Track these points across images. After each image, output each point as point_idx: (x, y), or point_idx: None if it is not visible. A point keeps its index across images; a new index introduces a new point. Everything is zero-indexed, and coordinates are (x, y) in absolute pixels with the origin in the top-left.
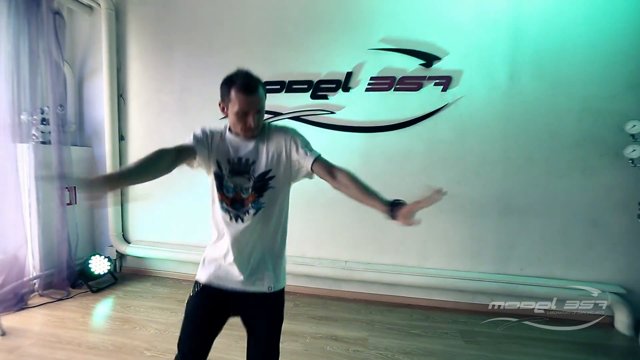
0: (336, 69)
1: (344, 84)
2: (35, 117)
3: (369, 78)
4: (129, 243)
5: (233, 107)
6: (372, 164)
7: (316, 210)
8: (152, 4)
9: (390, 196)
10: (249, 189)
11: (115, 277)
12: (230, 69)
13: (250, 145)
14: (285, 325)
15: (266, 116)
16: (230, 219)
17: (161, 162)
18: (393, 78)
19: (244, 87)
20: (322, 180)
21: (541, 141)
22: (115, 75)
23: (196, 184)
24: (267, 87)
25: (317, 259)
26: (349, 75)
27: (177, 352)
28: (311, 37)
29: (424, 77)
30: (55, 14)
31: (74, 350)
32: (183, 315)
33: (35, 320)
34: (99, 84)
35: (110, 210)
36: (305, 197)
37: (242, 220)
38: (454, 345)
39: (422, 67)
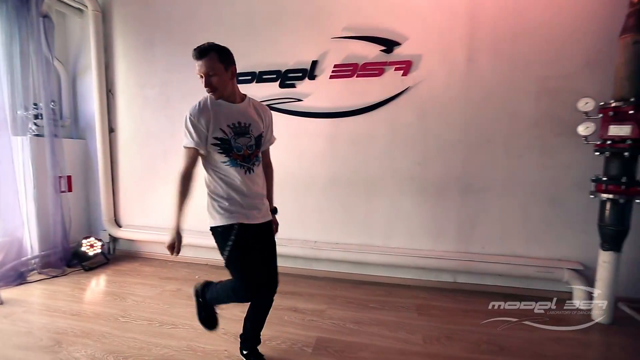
0: (302, 58)
1: (309, 72)
2: (30, 112)
3: (333, 66)
4: (120, 227)
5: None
6: (338, 148)
7: (287, 194)
8: (135, 4)
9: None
10: (252, 146)
11: (107, 257)
12: None
13: (240, 109)
14: None
15: None
16: (245, 172)
17: (193, 181)
18: (356, 65)
19: (195, 53)
20: (291, 164)
21: (500, 122)
22: (104, 72)
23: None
24: (240, 77)
25: (288, 239)
26: (314, 63)
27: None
28: (279, 28)
29: (385, 63)
30: (44, 17)
31: (59, 317)
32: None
33: (30, 293)
34: (90, 81)
35: (103, 197)
36: (278, 183)
37: (252, 171)
38: (406, 317)
39: (383, 53)
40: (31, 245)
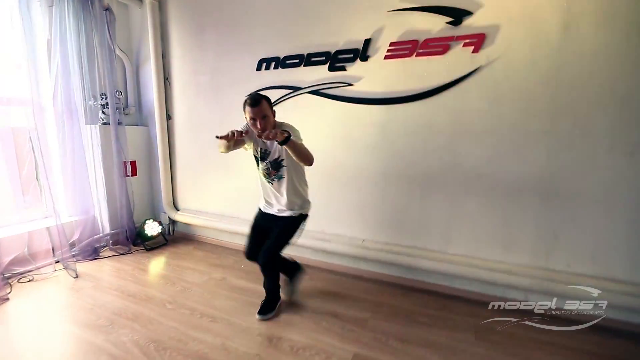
0: (354, 36)
1: (361, 52)
2: (99, 102)
3: (389, 44)
4: (178, 210)
5: (247, 117)
6: (391, 139)
7: (334, 186)
8: None
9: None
10: (269, 168)
11: (166, 239)
12: (253, 47)
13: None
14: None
15: (285, 92)
16: (268, 182)
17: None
18: (415, 42)
19: (250, 102)
20: (340, 155)
21: (604, 109)
22: (161, 60)
23: (234, 163)
24: (287, 61)
25: (335, 235)
26: (367, 42)
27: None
28: (329, 5)
29: (451, 38)
30: (106, 10)
31: (117, 296)
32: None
33: (100, 269)
34: (150, 69)
35: (163, 182)
36: (326, 174)
37: (272, 183)
38: (461, 340)
39: (449, 25)
40: (102, 224)
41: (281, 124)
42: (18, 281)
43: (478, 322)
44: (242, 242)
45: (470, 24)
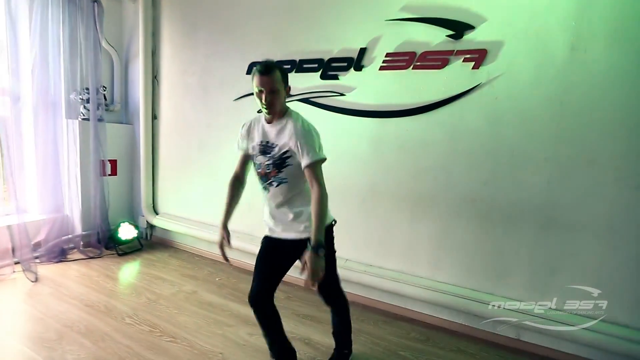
0: (349, 45)
1: (356, 62)
2: (82, 96)
3: (384, 54)
4: (157, 214)
5: (254, 86)
6: (383, 154)
7: None
8: None
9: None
10: (270, 165)
11: (141, 244)
12: (245, 50)
13: (275, 131)
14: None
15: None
16: (263, 189)
17: (243, 183)
18: (412, 54)
19: (260, 68)
20: (327, 167)
21: (613, 136)
22: (151, 57)
23: (216, 167)
24: None
25: None
26: (362, 51)
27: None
28: (325, 10)
29: (450, 52)
30: (94, 2)
31: (75, 306)
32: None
33: (64, 273)
34: (138, 67)
35: (143, 183)
36: None
37: (268, 190)
38: None
39: (449, 39)
40: (74, 224)
41: (296, 117)
42: None
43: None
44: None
45: (472, 39)
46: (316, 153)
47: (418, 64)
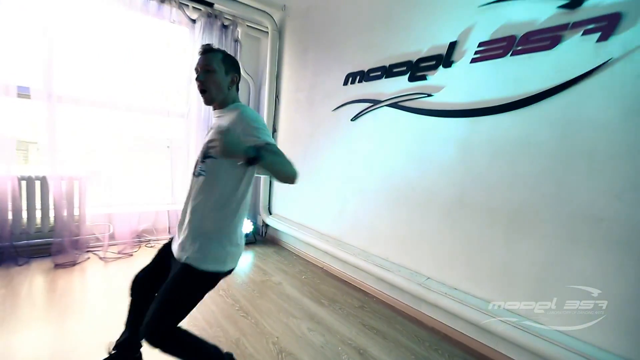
0: (438, 41)
1: (445, 58)
2: None
3: (477, 45)
4: (270, 214)
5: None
6: (472, 159)
7: (400, 210)
8: (300, 17)
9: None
10: (202, 154)
11: (255, 238)
12: (343, 62)
13: (217, 122)
14: (332, 320)
15: (365, 106)
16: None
17: None
18: (512, 38)
19: (200, 49)
20: (409, 175)
21: None
22: (275, 81)
23: (315, 174)
24: (371, 74)
25: (398, 266)
26: (452, 46)
27: None
28: (415, 11)
29: (564, 26)
30: (235, 42)
31: None
32: (267, 278)
33: None
34: (266, 89)
35: (262, 187)
36: (393, 195)
37: (191, 183)
38: None
39: (563, 10)
40: None
41: (244, 109)
42: (145, 245)
43: None
44: (314, 254)
45: (596, 4)
46: (269, 137)
47: (519, 48)
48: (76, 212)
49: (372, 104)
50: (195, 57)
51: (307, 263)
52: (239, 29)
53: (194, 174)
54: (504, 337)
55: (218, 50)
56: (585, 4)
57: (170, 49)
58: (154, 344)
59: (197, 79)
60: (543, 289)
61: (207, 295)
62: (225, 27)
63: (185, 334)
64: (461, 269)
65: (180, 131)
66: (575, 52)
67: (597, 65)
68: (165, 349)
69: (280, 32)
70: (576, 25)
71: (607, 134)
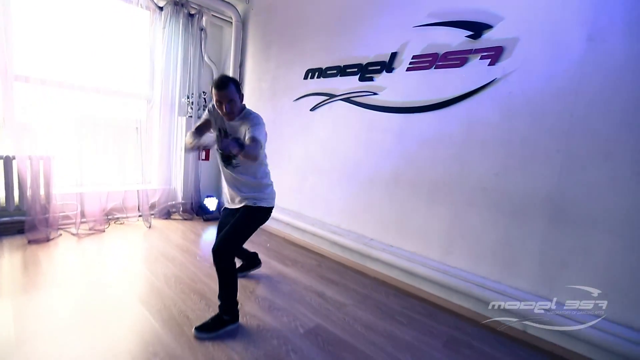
0: (383, 50)
1: (388, 64)
2: (189, 100)
3: (411, 57)
4: None
5: (214, 98)
6: (405, 146)
7: (354, 185)
8: (264, 13)
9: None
10: (222, 155)
11: (220, 213)
12: (303, 59)
13: (233, 123)
14: (295, 275)
15: (323, 98)
16: (227, 169)
17: (204, 130)
18: (435, 55)
19: (216, 84)
20: (361, 157)
21: (631, 129)
22: (238, 69)
23: (278, 157)
24: (328, 72)
25: (348, 231)
26: (393, 55)
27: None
28: (365, 21)
29: (469, 51)
30: (201, 30)
31: (169, 245)
32: None
33: (167, 226)
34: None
35: None
36: (347, 174)
37: (228, 169)
38: (426, 343)
39: (468, 39)
40: (177, 194)
41: (249, 112)
42: (114, 222)
43: (454, 334)
44: (276, 226)
45: (490, 37)
46: (258, 132)
47: (440, 63)
48: (42, 192)
49: (328, 97)
50: (163, 45)
51: (270, 234)
52: (205, 17)
53: (226, 165)
54: (425, 278)
55: (230, 81)
56: (483, 36)
57: (136, 33)
58: (218, 256)
59: (223, 109)
60: (450, 241)
61: (186, 261)
62: (191, 15)
63: (234, 261)
64: (396, 230)
65: (146, 114)
66: (475, 71)
67: (487, 82)
68: (222, 263)
69: (243, 24)
70: (477, 51)
71: (492, 130)
